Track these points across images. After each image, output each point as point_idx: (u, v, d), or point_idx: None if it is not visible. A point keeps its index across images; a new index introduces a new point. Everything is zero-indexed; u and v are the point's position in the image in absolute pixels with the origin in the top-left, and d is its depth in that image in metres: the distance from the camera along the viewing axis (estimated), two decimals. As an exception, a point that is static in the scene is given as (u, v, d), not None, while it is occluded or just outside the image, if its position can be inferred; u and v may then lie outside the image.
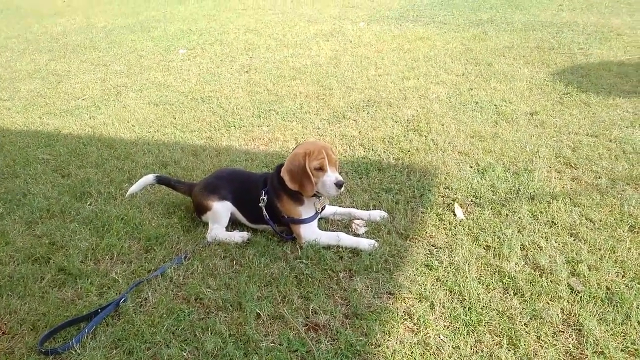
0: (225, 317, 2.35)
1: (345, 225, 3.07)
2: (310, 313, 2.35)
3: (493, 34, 7.63)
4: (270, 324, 2.30)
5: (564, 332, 2.18)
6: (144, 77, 6.56)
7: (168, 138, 4.54)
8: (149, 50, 8.12)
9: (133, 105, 5.46)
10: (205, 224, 3.06)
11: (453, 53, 6.69)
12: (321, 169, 2.77)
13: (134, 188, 3.44)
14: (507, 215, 3.00)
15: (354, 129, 4.43)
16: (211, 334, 2.24)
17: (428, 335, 2.19)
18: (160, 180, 3.38)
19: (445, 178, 3.48)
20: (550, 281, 2.46)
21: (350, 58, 6.81)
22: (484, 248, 2.73)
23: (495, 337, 2.17)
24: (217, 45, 8.19)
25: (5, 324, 2.37)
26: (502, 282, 2.47)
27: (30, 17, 12.24)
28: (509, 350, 2.10)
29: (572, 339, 2.14)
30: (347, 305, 2.39)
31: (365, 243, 2.78)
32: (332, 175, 2.77)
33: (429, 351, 2.11)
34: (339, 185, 2.76)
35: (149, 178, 3.38)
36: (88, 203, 3.43)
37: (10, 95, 6.12)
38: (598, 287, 2.39)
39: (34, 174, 3.91)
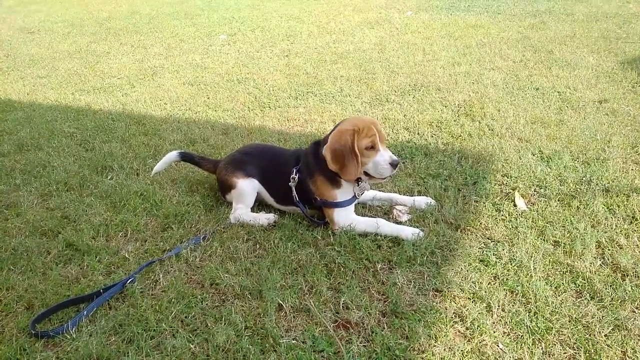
0: (242, 306, 2.02)
1: (386, 212, 2.70)
2: (341, 308, 1.99)
3: (552, 24, 7.05)
4: (294, 317, 1.96)
5: (658, 349, 1.74)
6: (182, 60, 6.35)
7: (199, 116, 4.27)
8: (190, 35, 7.94)
9: (168, 85, 5.24)
10: (230, 204, 2.76)
11: (509, 41, 6.17)
12: (373, 147, 2.41)
13: (158, 166, 3.17)
14: (578, 208, 2.55)
15: (398, 112, 4.04)
16: (225, 324, 1.92)
17: (484, 342, 1.79)
18: (185, 157, 3.09)
19: (503, 165, 3.04)
20: (636, 285, 2.02)
21: (396, 44, 6.39)
22: (551, 244, 2.30)
23: (568, 349, 1.76)
24: (258, 31, 7.93)
25: (0, 300, 2.13)
26: (575, 284, 2.04)
27: (78, 5, 12.38)
28: (587, 367, 1.69)
29: (670, 359, 1.70)
30: (384, 302, 2.02)
31: (408, 232, 2.40)
32: (385, 154, 2.41)
33: (485, 362, 1.73)
34: (394, 165, 2.40)
35: (173, 155, 3.10)
36: (108, 177, 3.19)
37: (47, 72, 6.03)
38: (699, 297, 1.93)
39: (57, 146, 3.71)
